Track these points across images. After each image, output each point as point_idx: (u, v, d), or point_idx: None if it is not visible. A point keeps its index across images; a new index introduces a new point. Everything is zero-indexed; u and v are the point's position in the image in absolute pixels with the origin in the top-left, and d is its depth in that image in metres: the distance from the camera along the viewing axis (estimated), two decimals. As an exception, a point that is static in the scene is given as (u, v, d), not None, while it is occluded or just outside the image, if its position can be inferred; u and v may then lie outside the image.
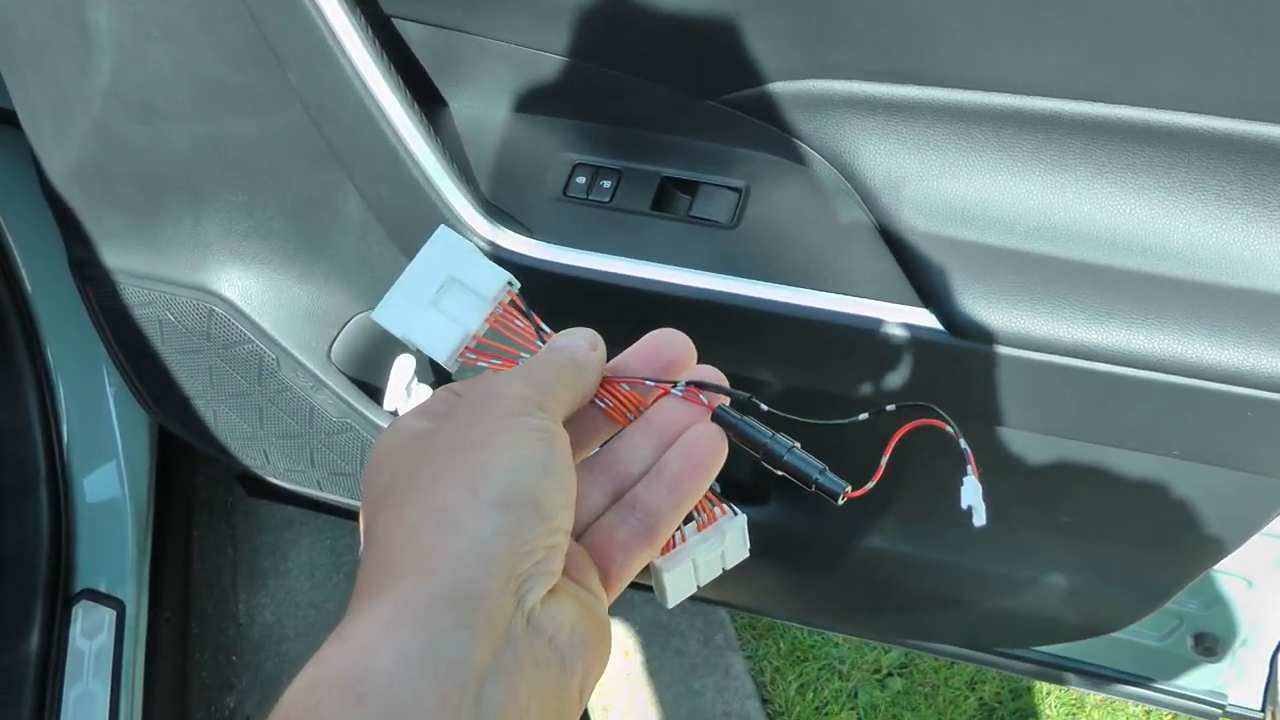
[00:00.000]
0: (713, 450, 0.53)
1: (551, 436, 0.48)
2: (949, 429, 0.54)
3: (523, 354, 0.55)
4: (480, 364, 0.55)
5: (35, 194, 1.20)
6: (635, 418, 0.55)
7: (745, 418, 0.54)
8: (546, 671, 0.45)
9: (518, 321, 0.55)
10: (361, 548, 0.49)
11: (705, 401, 0.54)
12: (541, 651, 0.45)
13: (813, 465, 0.54)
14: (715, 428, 0.54)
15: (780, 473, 0.54)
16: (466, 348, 0.55)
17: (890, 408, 0.56)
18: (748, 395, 0.54)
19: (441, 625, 0.41)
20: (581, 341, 0.53)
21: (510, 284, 0.55)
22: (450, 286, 0.55)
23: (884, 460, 0.54)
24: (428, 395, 1.12)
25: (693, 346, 0.55)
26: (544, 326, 0.55)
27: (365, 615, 0.43)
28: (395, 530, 0.45)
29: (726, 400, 0.55)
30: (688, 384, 0.54)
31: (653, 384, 0.54)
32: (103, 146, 1.06)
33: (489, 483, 0.45)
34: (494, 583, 0.43)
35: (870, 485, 0.54)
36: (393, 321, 0.55)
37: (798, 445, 0.54)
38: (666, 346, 0.55)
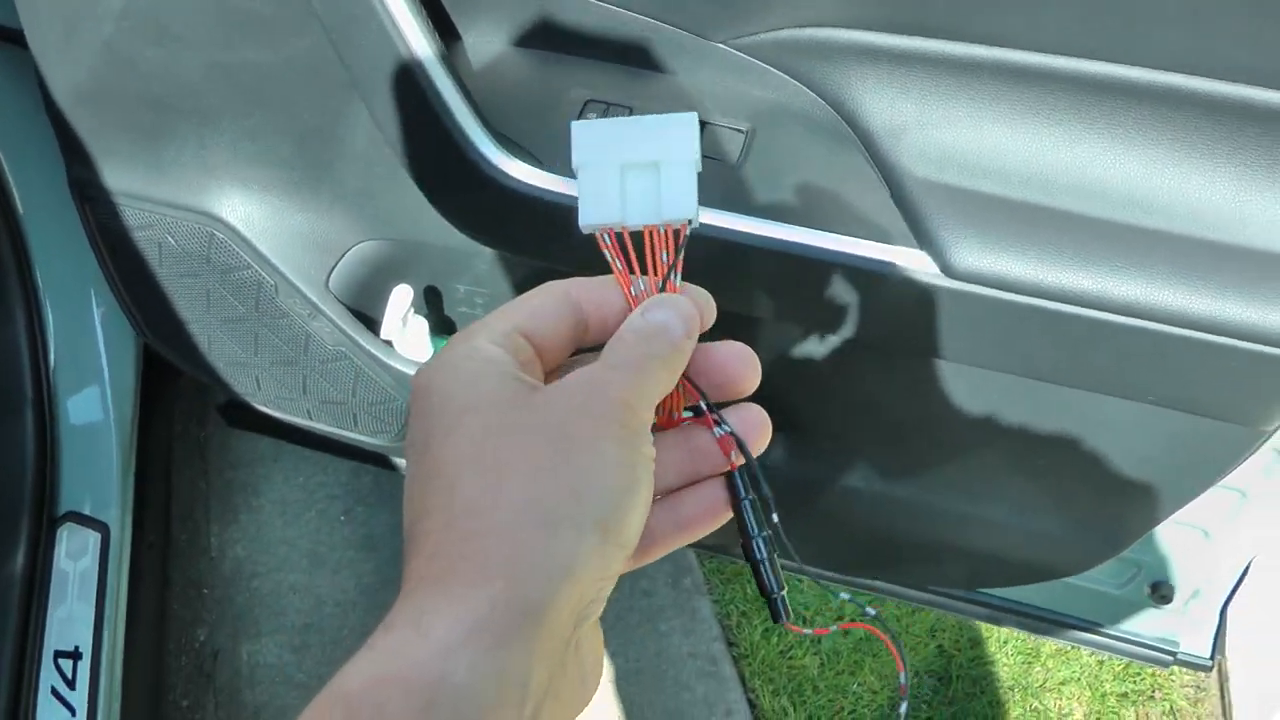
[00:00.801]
0: (727, 510, 0.52)
1: (648, 463, 0.46)
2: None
3: (635, 288, 0.51)
4: (604, 254, 0.51)
5: (30, 115, 1.21)
6: (670, 417, 0.52)
7: (748, 498, 0.51)
8: (575, 694, 0.45)
9: (663, 254, 0.51)
10: (420, 479, 0.45)
11: (732, 460, 0.51)
12: (574, 674, 0.45)
13: (776, 583, 0.52)
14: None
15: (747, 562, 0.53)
16: (610, 231, 0.51)
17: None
18: (771, 497, 0.52)
19: (518, 643, 0.40)
20: (679, 326, 0.49)
21: (690, 221, 0.51)
22: (649, 170, 0.50)
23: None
24: (423, 327, 1.15)
25: (758, 374, 0.52)
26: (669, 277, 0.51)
27: (448, 611, 0.40)
28: (492, 509, 0.42)
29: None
30: (728, 433, 0.51)
31: (697, 412, 0.52)
32: (111, 67, 1.07)
33: (594, 500, 0.43)
34: (570, 605, 0.42)
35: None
36: (586, 152, 0.51)
37: (774, 556, 0.52)
38: (734, 367, 0.52)
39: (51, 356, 1.50)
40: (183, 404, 2.10)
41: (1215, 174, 0.82)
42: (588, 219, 0.50)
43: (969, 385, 0.98)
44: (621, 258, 0.51)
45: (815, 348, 1.01)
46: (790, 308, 0.96)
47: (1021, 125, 0.85)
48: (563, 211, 0.91)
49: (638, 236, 0.51)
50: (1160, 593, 1.38)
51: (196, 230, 1.17)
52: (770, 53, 0.89)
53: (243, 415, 1.40)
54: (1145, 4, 0.76)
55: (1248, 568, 1.37)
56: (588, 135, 0.51)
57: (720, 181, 0.89)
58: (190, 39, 1.01)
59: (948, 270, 0.84)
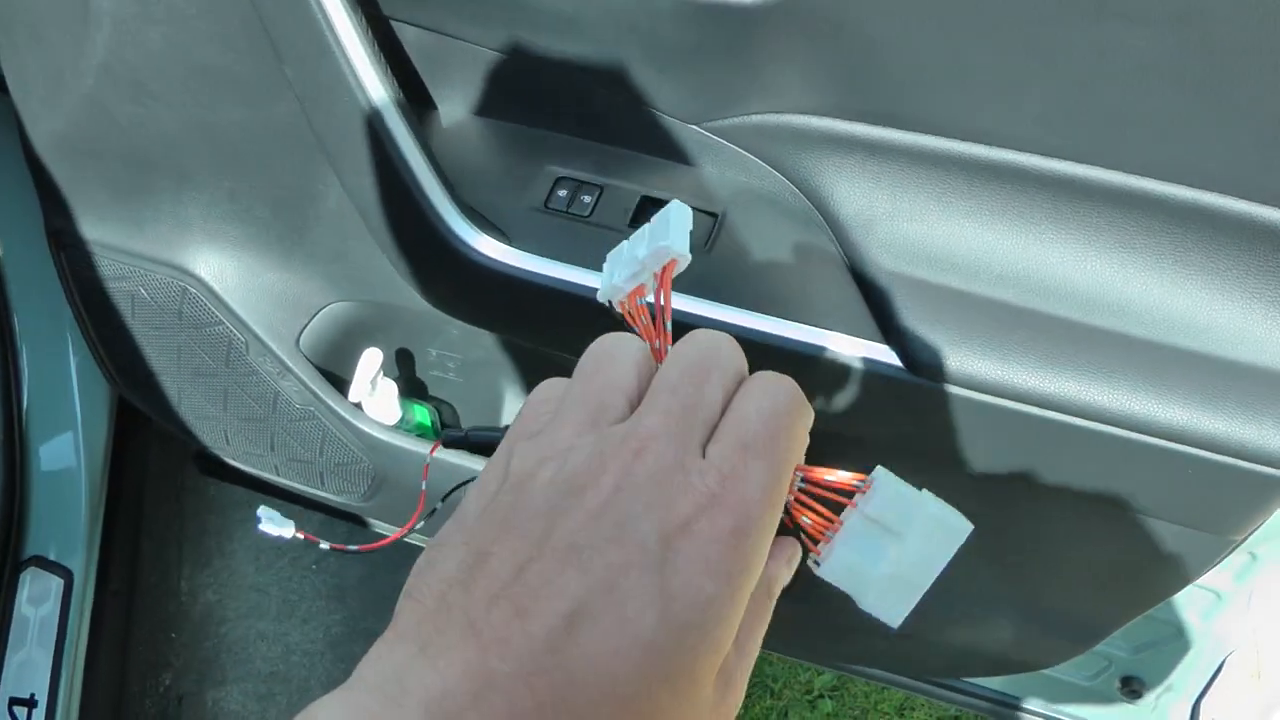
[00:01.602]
0: None
1: None
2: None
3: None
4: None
5: (11, 161, 1.20)
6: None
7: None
8: None
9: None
10: None
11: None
12: None
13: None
14: None
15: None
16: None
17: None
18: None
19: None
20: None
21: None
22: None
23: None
24: (393, 390, 1.14)
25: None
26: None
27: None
28: None
29: None
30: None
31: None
32: (91, 120, 1.06)
33: None
34: None
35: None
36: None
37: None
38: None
39: (25, 400, 1.49)
40: (160, 447, 2.09)
41: (1187, 281, 0.81)
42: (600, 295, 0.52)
43: (935, 479, 0.96)
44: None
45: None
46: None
47: (993, 222, 0.84)
48: (531, 289, 0.90)
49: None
50: (1132, 687, 1.37)
51: (170, 284, 1.16)
52: (744, 137, 0.89)
53: (215, 465, 1.39)
54: (1120, 107, 0.75)
55: (1221, 665, 1.35)
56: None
57: (688, 265, 0.88)
58: (168, 97, 1.00)
59: (912, 366, 0.83)
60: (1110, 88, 0.74)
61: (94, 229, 1.17)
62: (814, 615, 1.21)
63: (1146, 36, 0.70)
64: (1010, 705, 1.45)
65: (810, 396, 0.88)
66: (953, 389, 0.84)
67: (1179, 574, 0.96)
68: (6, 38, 1.05)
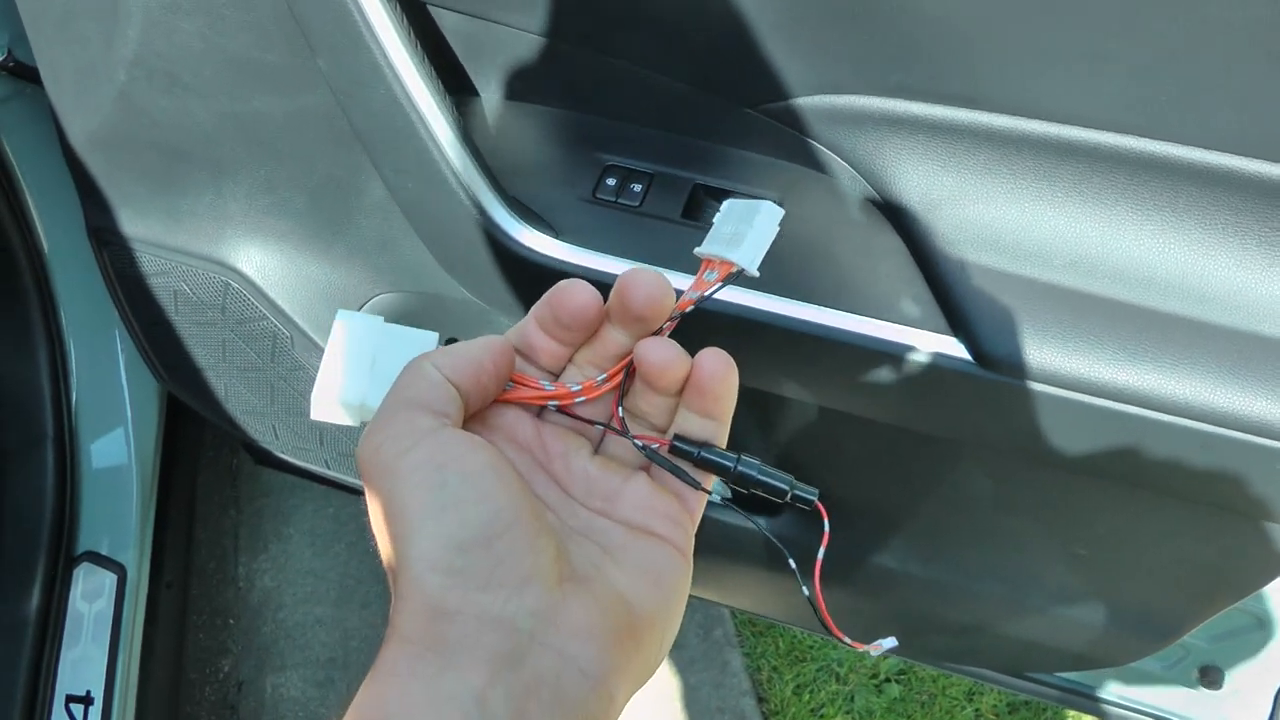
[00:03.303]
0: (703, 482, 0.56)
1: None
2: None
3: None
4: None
5: (56, 156, 1.19)
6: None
7: (703, 446, 0.54)
8: None
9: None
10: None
11: (662, 439, 0.55)
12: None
13: (782, 480, 0.55)
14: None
15: (755, 491, 0.55)
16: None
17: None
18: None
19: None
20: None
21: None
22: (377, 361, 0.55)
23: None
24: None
25: (597, 297, 0.53)
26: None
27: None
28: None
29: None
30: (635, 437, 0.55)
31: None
32: (125, 115, 1.04)
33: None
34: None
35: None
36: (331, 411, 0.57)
37: (759, 462, 0.54)
38: (559, 303, 0.53)
39: (74, 396, 1.48)
40: (215, 432, 2.09)
41: (1274, 263, 0.76)
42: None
43: (1008, 472, 0.93)
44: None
45: (849, 429, 0.96)
46: (820, 389, 0.91)
47: (1064, 204, 0.79)
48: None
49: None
50: (1209, 677, 1.32)
51: (212, 279, 1.14)
52: (801, 119, 0.84)
53: (267, 456, 1.38)
54: (1206, 80, 0.70)
55: (1303, 653, 1.31)
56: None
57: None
58: (201, 89, 0.98)
59: (982, 359, 0.79)
60: (1196, 59, 0.69)
61: (134, 225, 1.15)
62: (884, 612, 1.18)
63: (1231, 6, 0.65)
64: (1083, 694, 1.41)
65: (876, 391, 0.85)
66: (1024, 383, 0.80)
67: (1263, 569, 0.92)
68: (39, 34, 1.03)
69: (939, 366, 0.81)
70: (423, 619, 0.44)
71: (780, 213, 0.56)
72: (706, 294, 0.55)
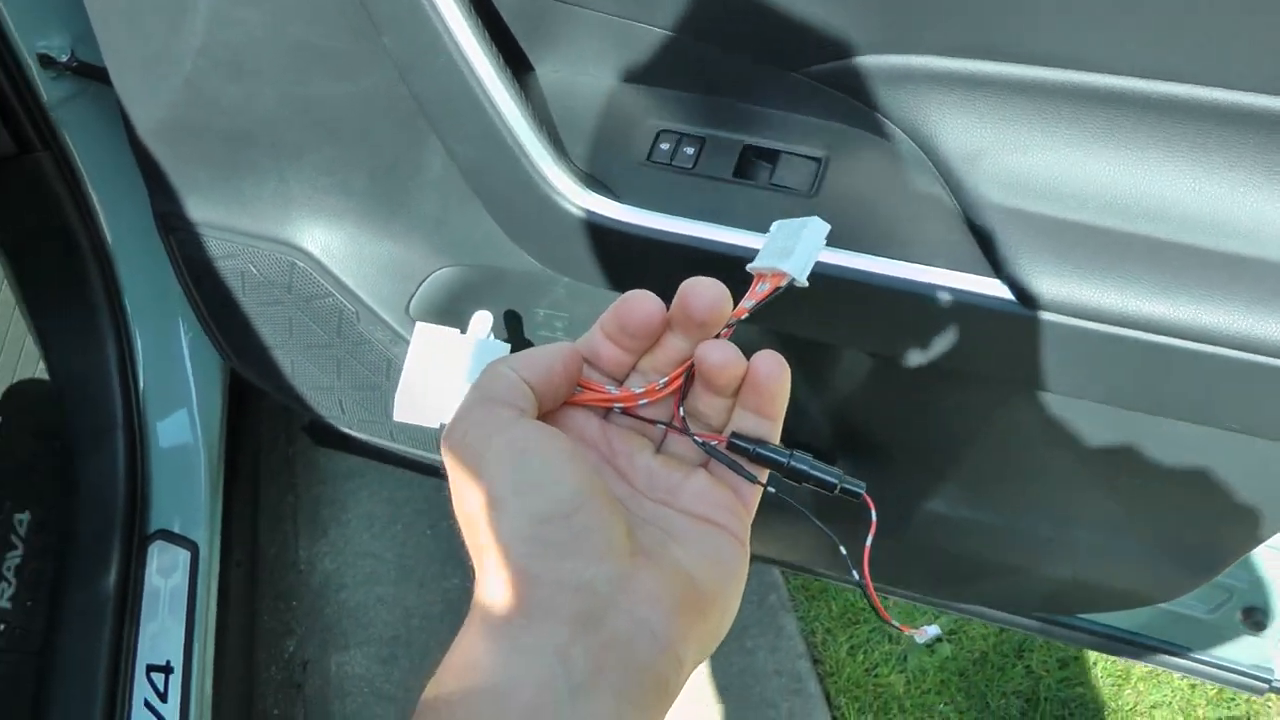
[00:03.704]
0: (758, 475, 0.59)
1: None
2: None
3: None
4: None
5: (118, 149, 1.24)
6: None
7: (759, 443, 0.58)
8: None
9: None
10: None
11: (721, 436, 0.59)
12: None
13: (832, 474, 0.58)
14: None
15: (806, 484, 0.59)
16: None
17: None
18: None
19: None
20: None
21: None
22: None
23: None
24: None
25: (661, 307, 0.57)
26: None
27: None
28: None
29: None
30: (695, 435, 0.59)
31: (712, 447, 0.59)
32: (191, 103, 1.09)
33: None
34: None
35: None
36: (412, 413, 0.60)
37: (811, 457, 0.58)
38: (627, 313, 0.57)
39: (141, 381, 1.54)
40: (271, 421, 2.14)
41: (1303, 198, 0.80)
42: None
43: (1051, 410, 0.96)
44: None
45: (894, 375, 0.99)
46: (866, 336, 0.95)
47: (1098, 149, 0.83)
48: (639, 242, 0.91)
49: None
50: (1254, 619, 1.35)
51: (278, 260, 1.19)
52: (843, 80, 0.88)
53: (328, 434, 1.43)
54: (1228, 22, 0.74)
55: (1347, 592, 1.33)
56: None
57: (794, 209, 0.88)
58: (266, 74, 1.02)
59: (1023, 299, 0.83)
60: (1214, 3, 0.73)
61: (200, 210, 1.20)
62: (933, 556, 1.21)
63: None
64: (1130, 641, 1.44)
65: (923, 335, 0.89)
66: (1064, 319, 0.83)
67: (1304, 499, 0.95)
68: (105, 28, 1.08)
69: (984, 308, 0.85)
70: (509, 584, 0.48)
71: (826, 228, 0.60)
72: (760, 303, 0.59)
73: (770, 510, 0.60)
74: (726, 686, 1.92)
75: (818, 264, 0.86)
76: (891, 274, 0.86)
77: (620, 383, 0.59)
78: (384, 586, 2.06)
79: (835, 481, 0.58)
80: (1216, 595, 1.38)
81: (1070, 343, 0.84)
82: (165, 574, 1.49)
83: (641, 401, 0.59)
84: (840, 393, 1.06)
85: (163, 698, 1.45)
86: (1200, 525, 1.03)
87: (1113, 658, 1.95)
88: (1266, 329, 0.78)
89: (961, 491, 1.11)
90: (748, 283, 0.61)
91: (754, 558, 1.31)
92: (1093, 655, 1.98)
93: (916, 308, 0.86)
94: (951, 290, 0.85)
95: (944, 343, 0.89)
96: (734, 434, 0.58)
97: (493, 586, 0.49)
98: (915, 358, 0.93)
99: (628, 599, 0.49)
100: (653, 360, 0.59)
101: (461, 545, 0.52)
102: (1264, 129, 0.78)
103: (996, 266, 0.84)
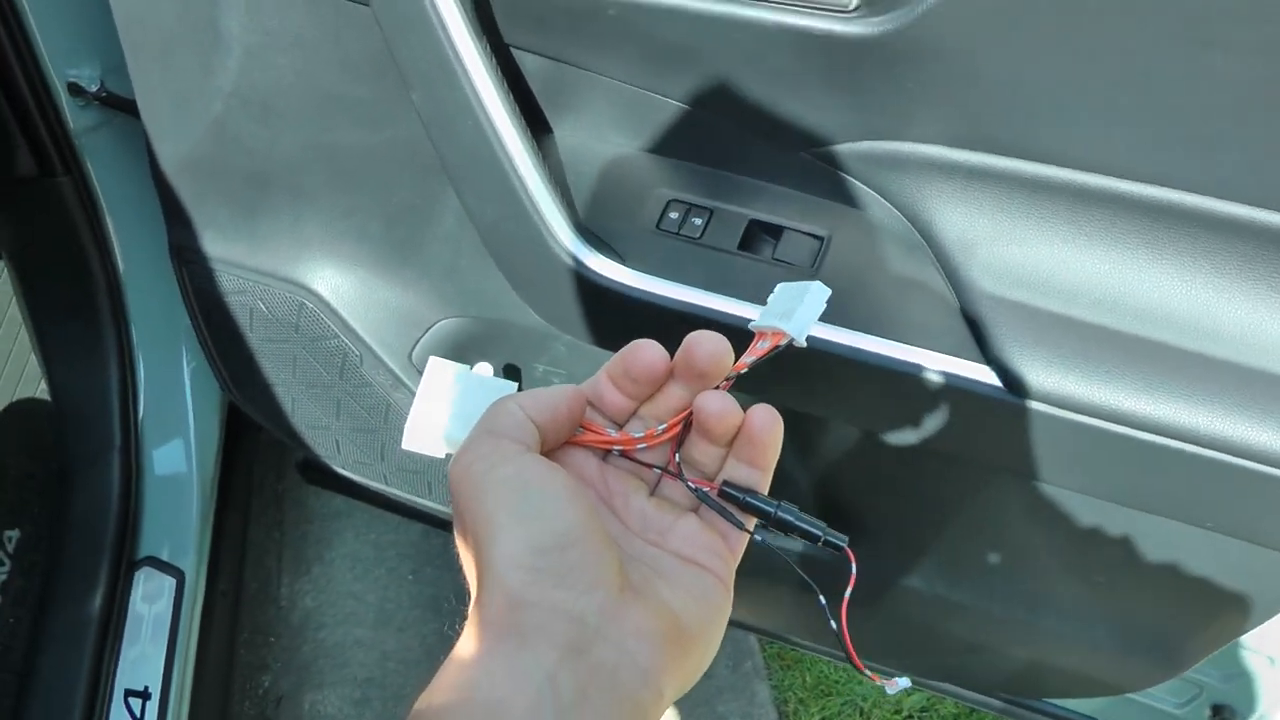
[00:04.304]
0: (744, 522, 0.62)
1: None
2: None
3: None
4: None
5: (138, 179, 1.26)
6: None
7: (749, 492, 0.60)
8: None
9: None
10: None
11: (712, 483, 0.61)
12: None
13: (816, 526, 0.61)
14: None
15: (791, 534, 0.61)
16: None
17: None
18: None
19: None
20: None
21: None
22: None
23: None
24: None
25: (665, 356, 0.60)
26: None
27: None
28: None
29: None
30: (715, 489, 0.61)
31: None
32: (217, 142, 1.12)
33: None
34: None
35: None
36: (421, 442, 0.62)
37: (797, 509, 0.61)
38: (633, 360, 0.59)
39: (140, 407, 1.55)
40: (262, 458, 2.15)
41: (1281, 306, 0.83)
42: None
43: (1031, 496, 0.98)
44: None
45: (879, 451, 1.02)
46: (855, 411, 0.97)
47: (1091, 247, 0.86)
48: (644, 307, 0.93)
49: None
50: (1222, 716, 1.36)
51: (288, 299, 1.21)
52: (848, 163, 0.92)
53: (319, 474, 1.45)
54: (1217, 135, 0.77)
55: (1315, 694, 1.34)
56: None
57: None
58: (293, 119, 1.05)
59: (1010, 387, 0.85)
60: (1208, 115, 0.76)
61: (216, 245, 1.22)
62: (907, 632, 1.22)
63: (1243, 65, 0.72)
64: (1100, 730, 1.45)
65: (910, 414, 0.91)
66: (1049, 409, 0.86)
67: (1273, 600, 0.96)
68: (139, 64, 1.11)
69: (970, 392, 0.87)
70: (503, 608, 0.51)
71: (827, 292, 0.63)
72: (759, 359, 0.61)
73: (751, 576, 0.62)
74: (696, 751, 1.93)
75: (814, 338, 0.89)
76: (884, 353, 0.88)
77: (620, 427, 0.62)
78: (363, 628, 2.07)
79: (819, 534, 0.60)
80: (1187, 690, 1.39)
81: (1054, 433, 0.87)
82: (150, 600, 1.51)
83: (640, 446, 0.61)
84: (826, 464, 1.08)
85: (138, 723, 1.46)
86: (1173, 618, 1.05)
87: (1082, 746, 1.95)
88: (1246, 433, 0.81)
89: (937, 569, 1.13)
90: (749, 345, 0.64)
91: (732, 622, 1.33)
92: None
93: (906, 387, 0.89)
94: (941, 373, 0.87)
95: (930, 423, 0.92)
96: (726, 482, 0.60)
97: (488, 609, 0.51)
98: (901, 436, 0.95)
99: (616, 630, 0.52)
100: (653, 407, 0.61)
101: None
102: (1252, 240, 0.81)
103: (986, 353, 0.87)
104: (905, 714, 2.00)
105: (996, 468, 0.96)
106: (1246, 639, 1.03)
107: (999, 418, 0.88)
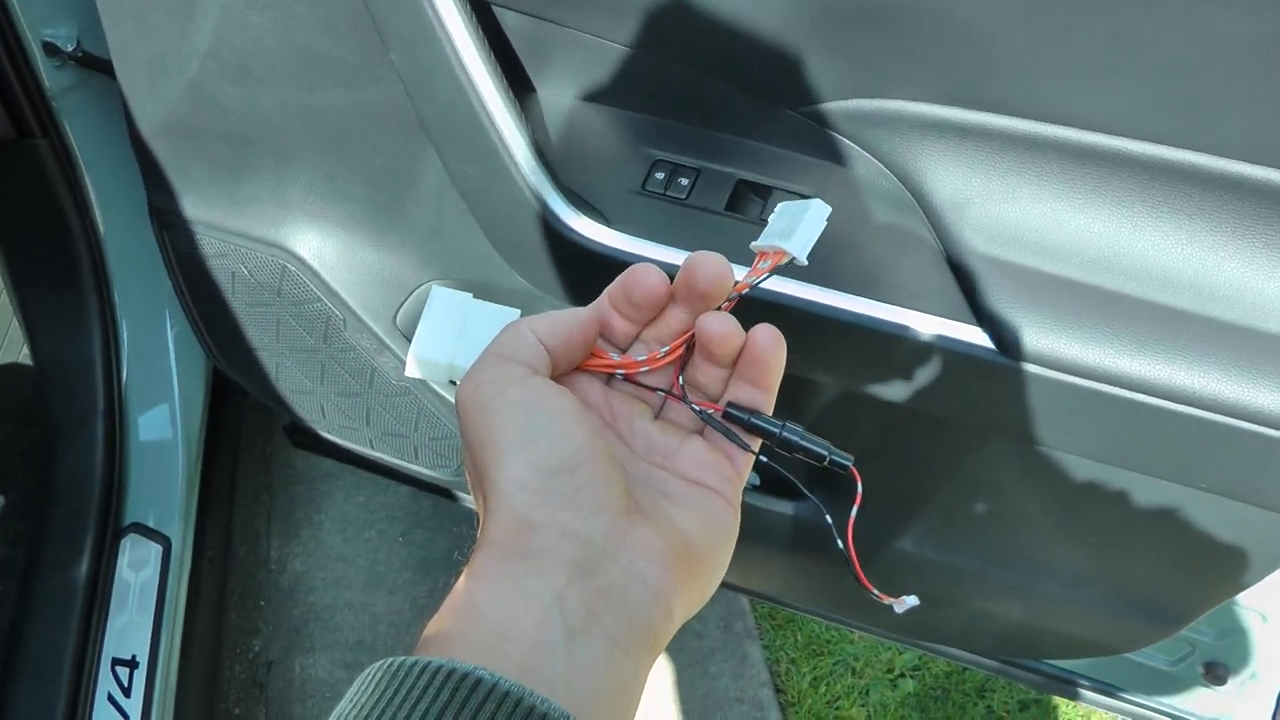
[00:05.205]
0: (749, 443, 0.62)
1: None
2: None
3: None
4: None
5: (117, 141, 1.24)
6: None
7: (753, 413, 0.60)
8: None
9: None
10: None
11: (718, 405, 0.61)
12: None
13: (822, 445, 0.61)
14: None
15: (796, 454, 0.61)
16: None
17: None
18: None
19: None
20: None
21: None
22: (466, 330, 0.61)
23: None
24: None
25: (666, 279, 0.59)
26: None
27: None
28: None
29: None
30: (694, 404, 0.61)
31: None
32: (195, 104, 1.10)
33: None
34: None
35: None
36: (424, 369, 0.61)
37: (802, 429, 0.61)
38: (633, 284, 0.59)
39: (124, 372, 1.54)
40: (250, 420, 2.14)
41: (1277, 266, 0.81)
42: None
43: (1024, 458, 0.97)
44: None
45: (870, 413, 1.01)
46: (846, 374, 0.96)
47: (1085, 206, 0.85)
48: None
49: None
50: (1215, 673, 1.36)
51: (270, 262, 1.20)
52: (838, 122, 0.90)
53: (307, 438, 1.43)
54: (1213, 92, 0.76)
55: (1307, 651, 1.35)
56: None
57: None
58: (271, 80, 1.03)
59: (1003, 348, 0.84)
60: (1204, 72, 0.74)
61: (196, 208, 1.20)
62: (887, 592, 1.21)
63: (1240, 21, 0.70)
64: (1091, 689, 1.45)
65: (902, 376, 0.90)
66: (1042, 371, 0.84)
67: (1265, 559, 0.96)
68: (114, 23, 1.09)
69: (963, 354, 0.86)
70: (511, 529, 0.51)
71: (828, 210, 0.62)
72: (760, 279, 0.61)
73: (743, 539, 0.61)
74: (689, 711, 1.93)
75: (805, 300, 0.88)
76: (875, 315, 0.87)
77: (624, 351, 0.62)
78: (353, 591, 2.06)
79: (825, 453, 0.61)
80: (1180, 648, 1.39)
81: (1047, 394, 0.86)
82: (136, 568, 1.49)
83: (643, 369, 0.61)
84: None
85: (126, 692, 1.45)
86: (1167, 579, 1.04)
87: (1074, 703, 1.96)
88: (1241, 394, 0.80)
89: (930, 532, 1.12)
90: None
91: (725, 585, 1.33)
92: (1054, 698, 1.99)
93: (897, 349, 0.88)
94: (933, 335, 0.86)
95: (922, 385, 0.91)
96: (730, 403, 0.60)
97: (495, 531, 0.51)
98: (892, 398, 0.94)
99: (624, 552, 0.52)
100: (655, 331, 0.61)
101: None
102: (1248, 198, 0.79)
103: (978, 314, 0.86)
104: (897, 672, 2.00)
105: (989, 430, 0.95)
106: (1240, 596, 1.02)
107: (992, 380, 0.87)
